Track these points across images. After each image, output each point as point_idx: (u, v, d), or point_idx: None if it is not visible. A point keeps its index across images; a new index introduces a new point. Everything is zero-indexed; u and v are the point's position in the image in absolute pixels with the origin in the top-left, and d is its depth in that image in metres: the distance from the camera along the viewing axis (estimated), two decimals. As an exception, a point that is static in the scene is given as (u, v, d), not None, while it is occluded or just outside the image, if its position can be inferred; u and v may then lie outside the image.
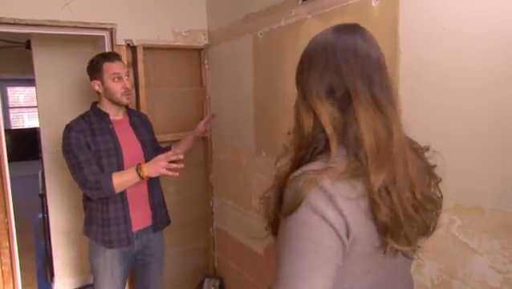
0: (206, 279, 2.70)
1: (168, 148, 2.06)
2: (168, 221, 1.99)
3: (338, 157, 0.67)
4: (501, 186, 1.06)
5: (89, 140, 1.68)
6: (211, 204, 2.75)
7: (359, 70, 0.68)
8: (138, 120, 1.93)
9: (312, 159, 0.69)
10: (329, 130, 0.66)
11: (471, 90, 1.10)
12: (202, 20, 2.55)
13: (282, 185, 0.70)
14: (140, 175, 1.64)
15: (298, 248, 0.63)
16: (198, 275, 2.76)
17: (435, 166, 0.81)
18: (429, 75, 1.19)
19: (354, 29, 0.72)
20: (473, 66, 1.09)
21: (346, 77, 0.67)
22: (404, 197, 0.67)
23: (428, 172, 0.79)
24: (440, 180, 0.80)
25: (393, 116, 0.68)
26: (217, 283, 2.68)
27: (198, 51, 2.62)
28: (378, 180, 0.64)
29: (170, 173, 1.65)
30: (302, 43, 1.81)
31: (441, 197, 0.79)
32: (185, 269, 2.72)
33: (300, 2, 1.72)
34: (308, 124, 0.69)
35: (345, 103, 0.68)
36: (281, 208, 0.68)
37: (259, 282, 2.29)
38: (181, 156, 1.66)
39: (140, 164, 1.67)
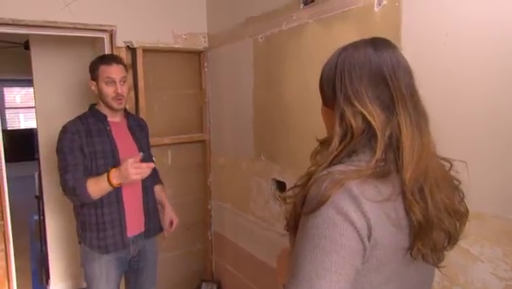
0: (204, 283, 2.69)
1: (158, 182, 2.01)
2: (161, 229, 1.97)
3: (363, 162, 0.69)
4: (503, 193, 1.06)
5: (84, 142, 1.68)
6: (209, 207, 2.73)
7: (403, 80, 0.72)
8: (135, 124, 1.92)
9: (341, 161, 0.71)
10: (379, 132, 0.69)
11: (473, 96, 1.10)
12: (202, 23, 2.55)
13: (307, 184, 0.71)
14: (110, 184, 1.61)
15: (318, 246, 0.63)
16: (195, 279, 2.74)
17: (460, 183, 0.82)
18: (432, 81, 1.19)
19: (390, 44, 0.76)
20: (475, 72, 1.09)
21: (392, 85, 0.71)
22: (438, 198, 0.70)
23: (453, 183, 0.80)
24: (464, 196, 0.81)
25: (426, 125, 0.73)
26: (215, 287, 2.66)
27: (198, 54, 2.62)
28: (412, 177, 0.67)
29: (144, 175, 1.62)
30: (304, 48, 1.82)
31: (467, 211, 0.79)
32: (183, 273, 2.70)
33: (301, 7, 1.72)
34: (357, 126, 0.70)
35: (388, 109, 0.71)
36: (303, 207, 0.69)
37: (257, 286, 2.27)
38: (141, 155, 1.64)
39: (109, 171, 1.63)
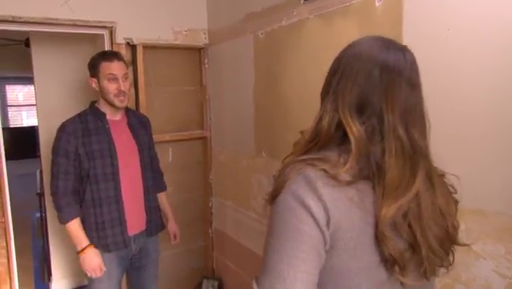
0: (205, 280, 2.69)
1: (161, 189, 2.06)
2: (163, 227, 1.97)
3: (334, 152, 0.68)
4: (505, 189, 1.04)
5: (80, 142, 1.67)
6: (210, 204, 2.73)
7: (400, 103, 0.66)
8: (136, 121, 1.89)
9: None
10: (355, 148, 0.64)
11: (476, 92, 1.09)
12: (203, 19, 2.54)
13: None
14: (77, 252, 1.68)
15: (281, 234, 0.63)
16: (197, 276, 2.74)
17: (455, 192, 0.79)
18: (433, 77, 1.17)
19: (396, 46, 0.72)
20: (477, 67, 1.08)
21: (385, 107, 0.66)
22: (430, 232, 0.66)
23: (451, 197, 0.77)
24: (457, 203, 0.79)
25: (422, 157, 0.67)
26: (216, 284, 2.66)
27: (198, 51, 2.61)
28: (390, 211, 0.62)
29: (93, 276, 1.69)
30: (305, 44, 1.80)
31: (458, 225, 0.76)
32: (184, 270, 2.71)
33: (302, 2, 1.70)
34: (332, 134, 0.68)
35: (373, 128, 0.67)
36: None
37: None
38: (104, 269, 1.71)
39: (88, 246, 1.68)
